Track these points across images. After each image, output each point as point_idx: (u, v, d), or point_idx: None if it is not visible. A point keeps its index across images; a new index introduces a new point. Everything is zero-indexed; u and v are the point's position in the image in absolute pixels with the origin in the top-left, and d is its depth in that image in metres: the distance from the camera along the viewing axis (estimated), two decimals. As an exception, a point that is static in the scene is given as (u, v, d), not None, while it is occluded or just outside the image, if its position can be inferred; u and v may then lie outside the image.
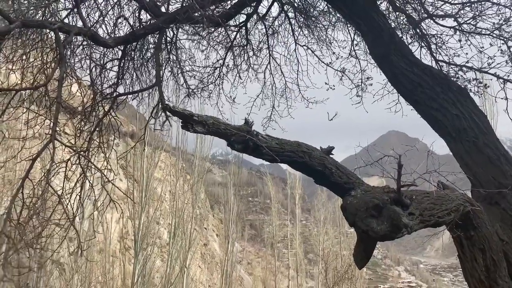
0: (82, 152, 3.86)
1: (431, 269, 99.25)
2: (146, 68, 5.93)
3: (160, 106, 4.12)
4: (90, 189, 4.13)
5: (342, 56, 6.33)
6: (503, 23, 4.52)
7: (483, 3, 4.55)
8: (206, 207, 27.12)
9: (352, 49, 6.02)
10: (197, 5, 3.68)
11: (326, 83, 6.36)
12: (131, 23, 5.04)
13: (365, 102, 6.13)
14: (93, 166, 3.82)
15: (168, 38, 5.73)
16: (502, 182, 3.47)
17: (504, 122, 4.57)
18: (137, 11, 5.34)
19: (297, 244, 28.43)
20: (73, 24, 4.87)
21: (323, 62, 6.52)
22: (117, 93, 4.58)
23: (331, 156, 3.27)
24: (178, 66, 5.32)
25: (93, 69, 4.65)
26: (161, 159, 20.41)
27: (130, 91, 4.99)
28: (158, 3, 5.08)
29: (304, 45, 6.59)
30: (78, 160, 3.98)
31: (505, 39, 4.61)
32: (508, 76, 4.52)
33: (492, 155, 3.56)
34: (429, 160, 3.22)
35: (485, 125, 3.68)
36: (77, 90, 4.69)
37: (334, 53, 6.38)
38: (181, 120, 2.90)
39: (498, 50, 4.71)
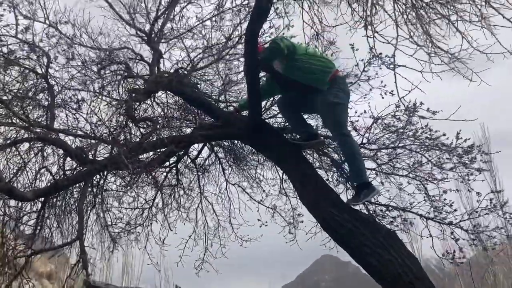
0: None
1: None
2: (69, 215, 5.57)
3: (80, 264, 3.75)
4: None
5: (272, 194, 6.45)
6: (417, 165, 4.94)
7: (396, 148, 4.98)
8: None
9: (282, 187, 6.17)
10: (124, 160, 3.60)
11: (258, 220, 6.33)
12: (54, 171, 4.82)
13: (299, 237, 6.12)
14: None
15: (94, 182, 5.53)
16: (444, 331, 3.39)
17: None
18: (61, 158, 5.16)
19: None
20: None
21: (254, 199, 6.58)
22: (32, 251, 4.13)
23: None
24: (102, 215, 5.02)
25: (6, 224, 4.25)
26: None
27: (48, 247, 4.55)
28: (85, 149, 4.98)
29: (235, 184, 6.66)
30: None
31: (420, 179, 4.99)
32: (428, 214, 4.80)
33: (430, 302, 3.53)
34: None
35: (418, 269, 3.70)
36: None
37: (264, 191, 6.50)
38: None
39: (416, 188, 5.06)
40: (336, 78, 4.20)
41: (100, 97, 4.99)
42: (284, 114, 4.83)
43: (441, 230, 4.78)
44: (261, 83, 4.58)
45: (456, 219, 4.73)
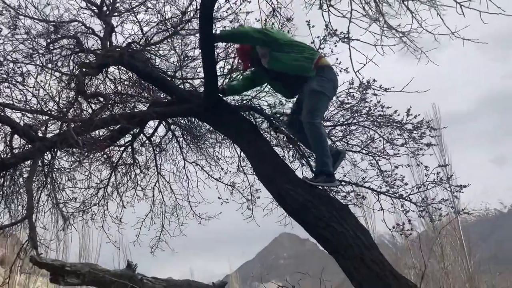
0: None
1: None
2: (18, 196, 5.35)
3: (29, 243, 3.62)
4: None
5: (230, 171, 6.46)
6: (369, 141, 5.08)
7: (350, 124, 5.09)
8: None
9: (240, 165, 6.19)
10: (74, 135, 3.48)
11: (219, 197, 6.34)
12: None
13: (257, 213, 6.20)
14: None
15: (45, 161, 5.33)
16: (391, 298, 3.55)
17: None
18: (8, 136, 4.91)
19: None
20: None
21: (212, 177, 6.57)
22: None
23: (224, 291, 3.07)
24: (53, 194, 4.86)
25: None
26: (37, 285, 17.84)
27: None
28: (34, 126, 4.76)
29: (193, 162, 6.62)
30: None
31: (373, 155, 5.15)
32: (380, 188, 4.98)
33: (379, 271, 3.67)
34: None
35: (369, 240, 3.84)
36: None
37: (222, 168, 6.49)
38: (49, 273, 2.52)
39: (369, 164, 5.22)
40: (321, 65, 4.02)
41: (48, 71, 4.76)
42: (296, 135, 4.62)
43: (392, 204, 4.97)
44: (247, 73, 4.51)
45: (407, 193, 4.94)
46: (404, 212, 4.87)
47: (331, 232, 3.84)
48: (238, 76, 5.11)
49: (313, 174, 4.24)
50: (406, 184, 4.94)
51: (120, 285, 2.57)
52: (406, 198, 4.82)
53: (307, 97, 4.01)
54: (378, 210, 4.87)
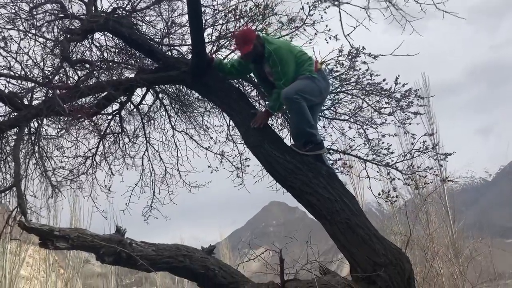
0: None
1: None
2: (5, 164, 5.32)
3: (18, 210, 3.64)
4: None
5: (220, 140, 6.46)
6: (357, 110, 5.10)
7: (339, 93, 5.09)
8: (84, 304, 24.17)
9: (229, 134, 6.19)
10: (59, 101, 3.43)
11: (209, 166, 6.36)
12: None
13: (247, 182, 6.25)
14: None
15: (32, 129, 5.27)
16: (376, 260, 3.67)
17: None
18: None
19: (189, 330, 26.56)
20: None
21: (202, 146, 6.57)
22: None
23: (213, 255, 3.13)
24: (41, 162, 4.84)
25: None
26: (29, 253, 17.99)
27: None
28: (20, 94, 4.69)
29: (182, 131, 6.59)
30: None
31: (361, 124, 5.18)
32: (367, 156, 5.04)
33: (364, 235, 3.77)
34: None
35: (355, 206, 3.92)
36: None
37: (212, 138, 6.49)
38: (38, 238, 2.54)
39: (356, 133, 5.27)
40: (320, 69, 4.19)
41: (32, 37, 4.65)
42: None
43: (378, 172, 5.05)
44: (235, 62, 4.43)
45: (393, 161, 5.01)
46: (390, 180, 4.95)
47: (317, 198, 3.91)
48: (230, 59, 4.97)
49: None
50: (392, 152, 5.01)
51: (109, 249, 2.61)
52: (392, 166, 4.89)
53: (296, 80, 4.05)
54: (365, 178, 4.96)
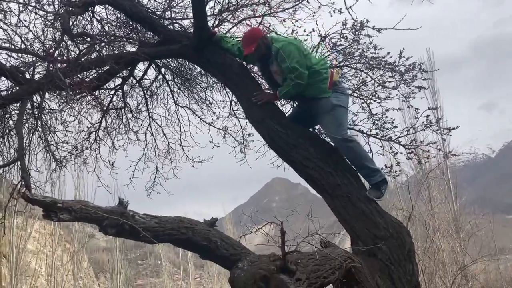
0: None
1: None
2: (8, 138, 5.34)
3: (22, 183, 3.68)
4: None
5: (222, 116, 6.45)
6: (361, 84, 5.05)
7: (342, 67, 5.03)
8: (90, 277, 24.69)
9: (232, 109, 6.17)
10: (60, 75, 3.42)
11: (210, 141, 6.37)
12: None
13: (249, 158, 6.27)
14: None
15: (35, 104, 5.27)
16: (376, 234, 3.72)
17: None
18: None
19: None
20: None
21: (204, 121, 6.56)
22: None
23: (215, 228, 3.17)
24: (44, 136, 4.85)
25: None
26: (35, 228, 18.30)
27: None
28: (21, 68, 4.67)
29: (185, 106, 6.57)
30: None
31: (364, 98, 5.14)
32: (370, 131, 5.02)
33: (365, 208, 3.81)
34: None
35: (357, 181, 3.95)
36: None
37: (214, 113, 6.47)
38: (42, 209, 2.57)
39: (360, 107, 5.23)
40: (334, 81, 4.16)
41: (33, 9, 4.59)
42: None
43: (381, 146, 5.04)
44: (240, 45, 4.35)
45: (396, 135, 4.99)
46: (393, 154, 4.94)
47: (319, 172, 3.93)
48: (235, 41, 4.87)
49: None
50: (395, 127, 4.98)
51: (112, 221, 2.65)
52: (395, 140, 4.87)
53: (327, 113, 4.10)
54: (368, 153, 4.94)
